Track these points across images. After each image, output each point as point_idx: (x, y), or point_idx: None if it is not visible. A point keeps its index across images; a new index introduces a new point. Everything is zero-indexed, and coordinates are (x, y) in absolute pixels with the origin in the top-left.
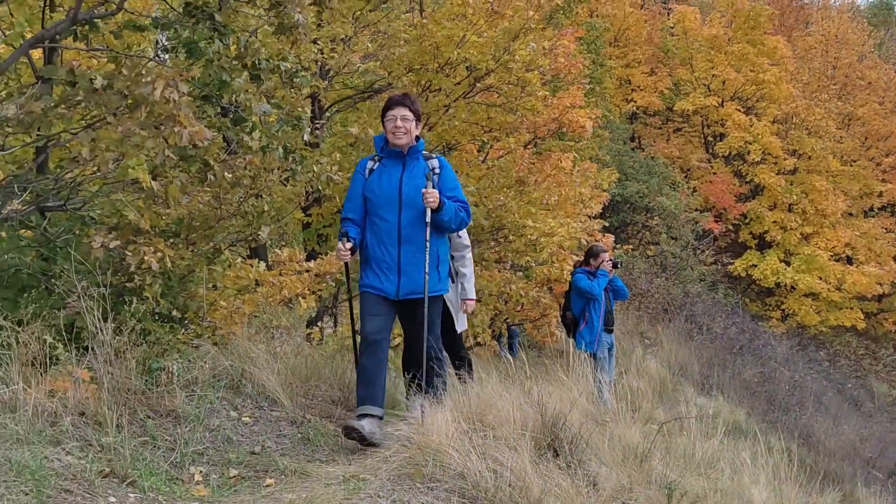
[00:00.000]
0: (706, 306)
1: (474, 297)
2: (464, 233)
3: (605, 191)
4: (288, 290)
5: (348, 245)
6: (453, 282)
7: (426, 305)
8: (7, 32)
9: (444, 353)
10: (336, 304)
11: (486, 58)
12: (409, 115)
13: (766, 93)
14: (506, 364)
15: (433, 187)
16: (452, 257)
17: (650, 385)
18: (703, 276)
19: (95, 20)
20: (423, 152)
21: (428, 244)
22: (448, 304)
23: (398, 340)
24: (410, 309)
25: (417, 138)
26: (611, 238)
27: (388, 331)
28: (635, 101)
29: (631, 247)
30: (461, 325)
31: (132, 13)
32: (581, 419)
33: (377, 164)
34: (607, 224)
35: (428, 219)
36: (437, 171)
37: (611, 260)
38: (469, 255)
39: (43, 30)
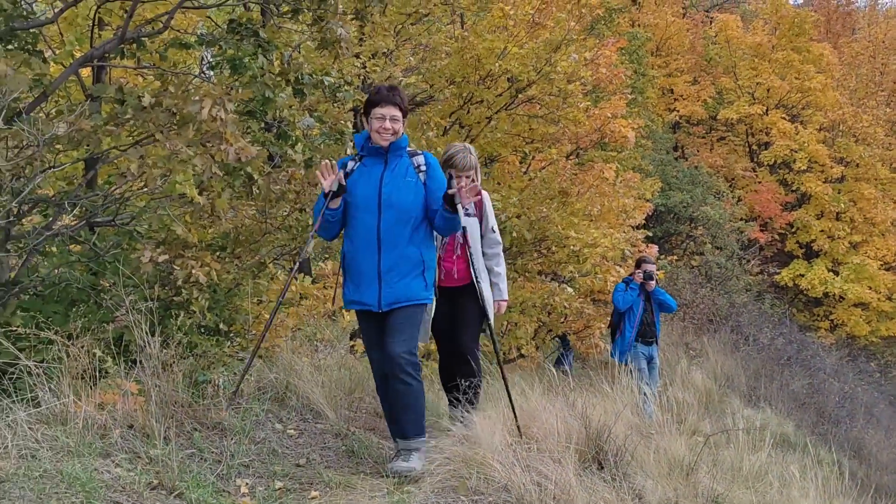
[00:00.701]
0: (752, 317)
1: (506, 297)
2: (496, 229)
3: (648, 201)
4: (331, 303)
5: (341, 173)
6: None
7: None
8: (57, 51)
9: (479, 361)
10: None
11: (527, 69)
12: (399, 114)
13: (811, 100)
14: (550, 376)
15: (422, 183)
16: (485, 254)
17: (696, 397)
18: (748, 286)
19: (143, 38)
20: (408, 148)
21: (420, 251)
22: (484, 303)
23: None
24: (395, 314)
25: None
26: (654, 248)
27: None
28: (678, 111)
29: (675, 257)
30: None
31: (178, 31)
32: (626, 431)
33: (357, 163)
34: (651, 234)
35: (461, 214)
36: (424, 168)
37: (643, 272)
38: (501, 252)
39: (92, 49)
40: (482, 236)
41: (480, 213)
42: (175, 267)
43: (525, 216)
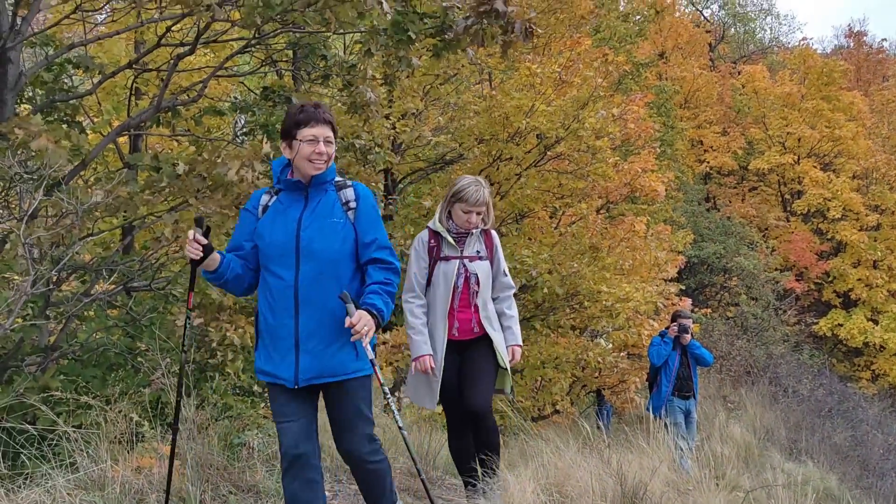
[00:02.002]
0: (791, 368)
1: (519, 342)
2: (507, 272)
3: (680, 253)
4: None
5: (197, 236)
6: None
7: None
8: (95, 120)
9: (494, 423)
10: None
11: (555, 126)
12: (332, 135)
13: (843, 148)
14: (584, 432)
15: (354, 307)
16: (496, 299)
17: (735, 451)
18: (786, 336)
19: (178, 107)
20: (336, 179)
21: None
22: (497, 353)
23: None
24: (326, 399)
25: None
26: (688, 301)
27: (312, 440)
28: (708, 162)
29: (709, 309)
30: (508, 384)
31: (212, 99)
32: (662, 488)
33: (273, 198)
34: (684, 287)
35: (366, 342)
36: (353, 205)
37: (677, 325)
38: (511, 297)
39: (129, 118)
40: (494, 279)
41: (492, 255)
42: (210, 329)
43: (556, 272)
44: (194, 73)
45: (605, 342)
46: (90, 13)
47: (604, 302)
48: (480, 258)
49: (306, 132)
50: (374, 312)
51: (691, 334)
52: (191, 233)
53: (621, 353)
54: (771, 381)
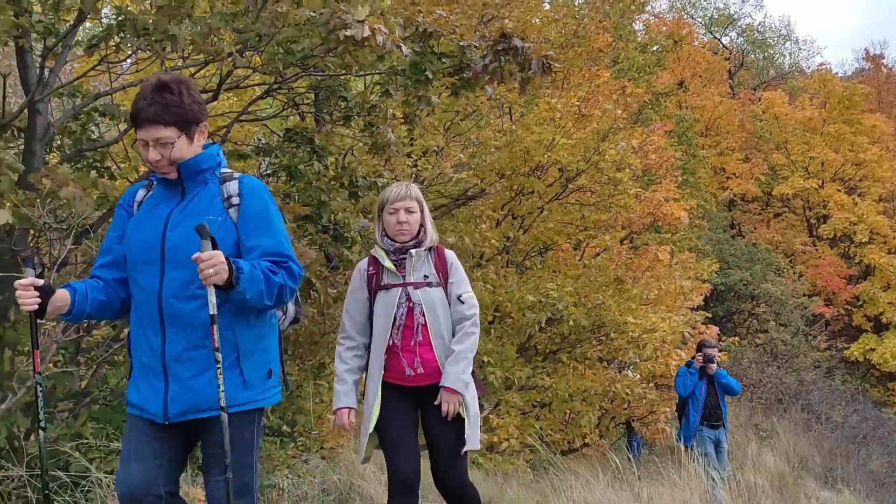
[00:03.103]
0: (823, 394)
1: (455, 387)
2: (467, 298)
3: (705, 281)
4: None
5: (27, 279)
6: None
7: (226, 428)
8: (122, 166)
9: (472, 488)
10: None
11: (576, 159)
12: (172, 134)
13: (867, 172)
14: (613, 464)
15: (213, 243)
16: (455, 332)
17: (768, 480)
18: (817, 362)
19: None
20: (223, 170)
21: (215, 328)
22: (462, 410)
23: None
24: (201, 436)
25: (207, 145)
26: (714, 329)
27: (159, 484)
28: (731, 189)
29: (738, 337)
30: (472, 441)
31: (235, 143)
32: None
33: (148, 192)
34: (710, 315)
35: (212, 298)
36: (236, 200)
37: (702, 355)
38: (472, 328)
39: None
40: (450, 305)
41: (446, 281)
42: None
43: (582, 305)
44: (218, 118)
45: (632, 373)
46: (115, 63)
47: (630, 333)
48: (429, 284)
49: (139, 134)
50: (233, 267)
51: (718, 363)
52: (23, 280)
53: (649, 384)
54: (803, 408)
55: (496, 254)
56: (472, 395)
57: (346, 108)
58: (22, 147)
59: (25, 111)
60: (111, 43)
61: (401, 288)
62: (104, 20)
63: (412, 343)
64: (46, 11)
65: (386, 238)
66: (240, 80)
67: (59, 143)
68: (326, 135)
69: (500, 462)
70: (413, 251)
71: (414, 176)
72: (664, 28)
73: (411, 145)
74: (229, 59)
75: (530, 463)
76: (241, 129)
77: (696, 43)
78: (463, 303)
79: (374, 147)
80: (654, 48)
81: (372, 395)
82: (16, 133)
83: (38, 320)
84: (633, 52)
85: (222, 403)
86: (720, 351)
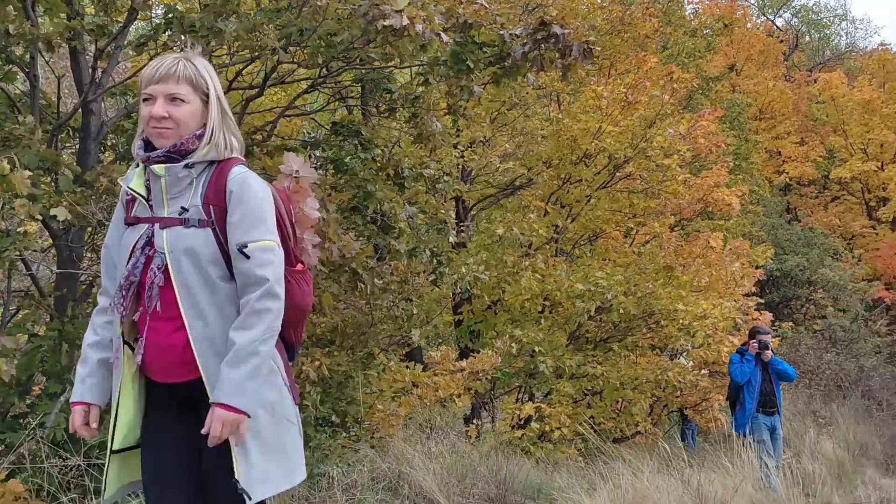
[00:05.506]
0: (884, 380)
1: (232, 403)
2: (259, 246)
3: (759, 267)
4: (443, 390)
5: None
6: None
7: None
8: None
9: None
10: (494, 398)
11: (623, 146)
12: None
13: None
14: (663, 452)
15: None
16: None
17: (826, 468)
18: (878, 348)
19: (252, 148)
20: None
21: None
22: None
23: None
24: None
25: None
26: (767, 315)
27: None
28: (787, 173)
29: (794, 323)
30: (257, 487)
31: (283, 137)
32: None
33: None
34: (763, 301)
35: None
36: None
37: (757, 342)
38: (264, 301)
39: None
40: (227, 260)
41: (221, 215)
42: None
43: (632, 294)
44: (266, 114)
45: (685, 360)
46: None
47: (681, 320)
48: (184, 222)
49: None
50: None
51: (772, 350)
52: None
53: (702, 371)
54: (863, 394)
55: (545, 243)
56: (272, 416)
57: (391, 101)
58: (77, 146)
59: (80, 111)
60: (160, 41)
61: (146, 225)
62: (154, 20)
63: (143, 315)
64: (98, 11)
65: (140, 141)
66: (285, 76)
67: (112, 141)
68: (373, 127)
69: (550, 450)
70: (160, 167)
71: (461, 166)
72: (717, 10)
73: (457, 136)
74: (273, 55)
75: (581, 451)
76: (289, 124)
77: (749, 25)
78: (248, 258)
79: (420, 137)
80: (705, 32)
81: (113, 394)
82: (71, 133)
83: None
84: (682, 36)
85: None
86: (774, 337)
